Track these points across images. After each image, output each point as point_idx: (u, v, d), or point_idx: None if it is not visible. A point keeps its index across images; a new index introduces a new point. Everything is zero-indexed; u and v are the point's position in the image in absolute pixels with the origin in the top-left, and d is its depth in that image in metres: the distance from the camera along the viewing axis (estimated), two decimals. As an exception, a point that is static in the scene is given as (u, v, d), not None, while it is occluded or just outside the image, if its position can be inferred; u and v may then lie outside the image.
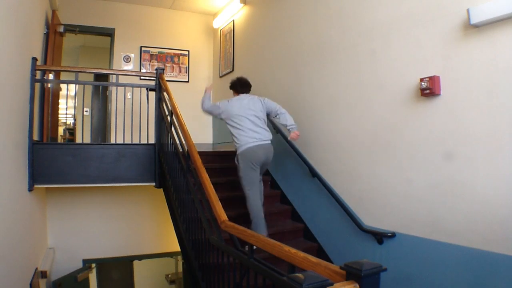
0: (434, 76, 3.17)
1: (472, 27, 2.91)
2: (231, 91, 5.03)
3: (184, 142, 4.14)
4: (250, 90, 4.96)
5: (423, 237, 3.30)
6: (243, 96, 4.81)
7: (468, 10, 2.85)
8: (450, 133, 3.09)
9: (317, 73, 4.88)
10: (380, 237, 3.71)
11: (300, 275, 1.57)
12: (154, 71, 5.52)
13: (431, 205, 3.24)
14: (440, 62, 3.19)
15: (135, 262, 9.86)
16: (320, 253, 4.56)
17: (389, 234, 3.61)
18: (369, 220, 3.94)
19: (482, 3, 2.78)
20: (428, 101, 3.28)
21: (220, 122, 7.89)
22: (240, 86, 4.91)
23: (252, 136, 4.48)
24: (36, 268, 4.78)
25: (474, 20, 2.82)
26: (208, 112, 4.94)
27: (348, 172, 4.29)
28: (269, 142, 4.62)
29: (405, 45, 3.55)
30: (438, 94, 3.17)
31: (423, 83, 3.22)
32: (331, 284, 1.55)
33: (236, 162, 4.63)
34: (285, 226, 4.93)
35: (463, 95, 3.00)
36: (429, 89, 3.19)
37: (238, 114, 4.57)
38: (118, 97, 6.51)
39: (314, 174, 4.70)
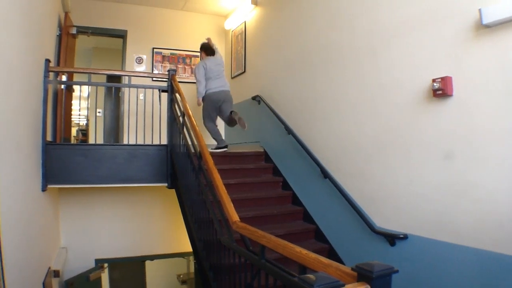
0: (446, 76, 3.14)
1: (484, 27, 2.88)
2: (203, 54, 6.43)
3: (196, 143, 4.15)
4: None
5: (435, 239, 3.27)
6: (209, 57, 6.29)
7: (480, 10, 2.82)
8: (462, 133, 3.06)
9: (328, 74, 4.87)
10: (392, 238, 3.68)
11: (311, 276, 1.56)
12: (166, 72, 5.55)
13: (443, 206, 3.21)
14: (452, 62, 3.16)
15: (147, 262, 9.91)
16: (332, 254, 4.53)
17: (401, 236, 3.58)
18: (381, 222, 3.92)
19: (494, 3, 2.76)
20: (440, 101, 3.25)
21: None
22: (209, 50, 6.37)
23: (216, 84, 6.04)
24: (49, 267, 4.82)
25: (486, 20, 2.79)
26: (202, 87, 6.05)
27: (359, 173, 4.27)
28: (228, 89, 6.23)
29: (417, 46, 3.52)
30: (450, 95, 3.15)
31: (435, 84, 3.20)
32: (342, 286, 1.54)
33: (202, 102, 6.13)
34: (297, 227, 4.92)
35: (475, 96, 2.97)
36: (441, 90, 3.16)
37: (210, 68, 6.04)
38: (131, 98, 6.56)
39: (325, 175, 4.69)
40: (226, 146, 6.03)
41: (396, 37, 3.77)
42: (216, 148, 5.89)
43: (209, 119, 6.13)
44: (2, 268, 2.57)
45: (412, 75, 3.55)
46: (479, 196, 2.92)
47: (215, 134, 6.10)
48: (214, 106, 6.07)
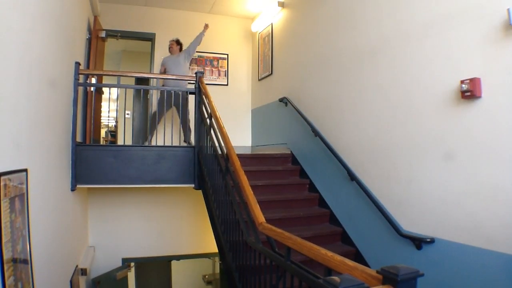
0: (474, 78, 3.07)
1: (512, 28, 2.82)
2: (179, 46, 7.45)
3: (223, 144, 4.17)
4: None
5: (462, 243, 3.20)
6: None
7: (508, 10, 2.76)
8: (491, 136, 2.99)
9: (355, 76, 4.82)
10: (418, 242, 3.62)
11: (336, 278, 1.55)
12: (194, 75, 5.59)
13: (471, 210, 3.14)
14: (480, 63, 3.09)
15: (173, 262, 10.01)
16: (358, 257, 4.49)
17: (428, 240, 3.52)
18: (408, 225, 3.85)
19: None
20: (469, 103, 3.18)
21: (259, 125, 7.91)
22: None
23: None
24: (77, 266, 4.92)
25: (515, 20, 2.74)
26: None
27: (386, 176, 4.21)
28: None
29: (444, 47, 3.46)
30: (479, 97, 3.08)
31: (463, 85, 3.13)
32: (367, 288, 1.53)
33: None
34: (323, 230, 4.89)
35: (504, 97, 2.89)
36: (469, 91, 3.09)
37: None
38: (159, 100, 6.62)
39: (352, 177, 4.64)
40: None
41: (423, 39, 3.71)
42: None
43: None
44: (30, 265, 2.62)
45: (441, 77, 3.48)
46: (508, 201, 2.85)
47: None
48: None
